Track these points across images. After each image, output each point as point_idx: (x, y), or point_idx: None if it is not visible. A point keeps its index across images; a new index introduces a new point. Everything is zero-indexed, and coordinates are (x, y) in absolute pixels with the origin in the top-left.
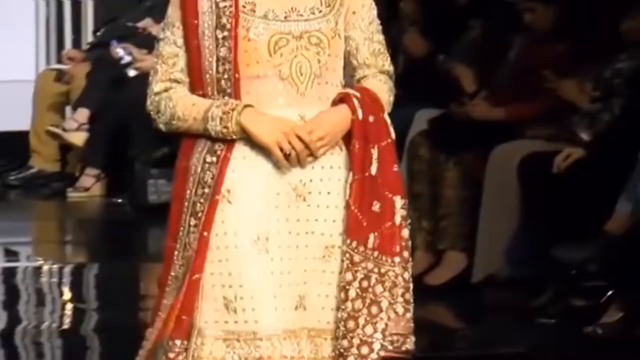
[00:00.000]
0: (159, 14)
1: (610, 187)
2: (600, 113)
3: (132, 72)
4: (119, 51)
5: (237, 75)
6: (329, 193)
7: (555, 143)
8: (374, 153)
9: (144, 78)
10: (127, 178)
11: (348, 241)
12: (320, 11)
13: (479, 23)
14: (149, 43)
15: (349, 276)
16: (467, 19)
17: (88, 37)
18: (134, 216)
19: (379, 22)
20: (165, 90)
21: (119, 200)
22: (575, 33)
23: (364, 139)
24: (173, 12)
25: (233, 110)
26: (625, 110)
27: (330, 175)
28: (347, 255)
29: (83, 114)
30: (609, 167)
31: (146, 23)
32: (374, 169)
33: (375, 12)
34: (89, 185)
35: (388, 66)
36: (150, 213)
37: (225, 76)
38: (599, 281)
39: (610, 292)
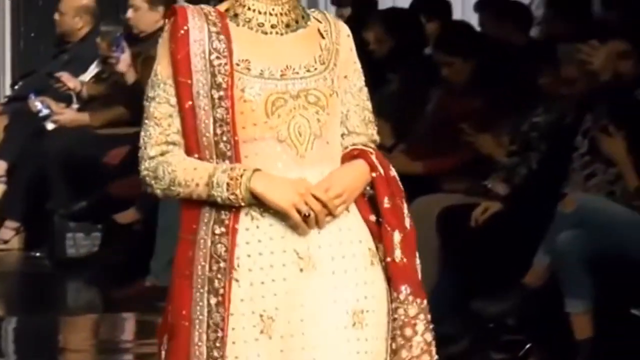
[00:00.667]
0: (76, 68)
1: (528, 240)
2: (517, 166)
3: (50, 125)
4: (37, 104)
5: (236, 137)
6: (343, 257)
7: (473, 196)
8: (404, 207)
9: (62, 131)
10: (46, 231)
11: (398, 294)
12: (315, 69)
13: (396, 77)
14: (66, 96)
15: (408, 332)
16: (385, 73)
17: (6, 90)
18: (52, 270)
19: (367, 89)
20: (162, 153)
21: (38, 254)
22: (492, 87)
23: (391, 193)
24: (163, 69)
25: (242, 176)
26: (542, 164)
27: (341, 238)
28: (402, 310)
29: (1, 166)
30: (527, 221)
31: (64, 76)
32: (408, 223)
33: (363, 78)
34: (8, 238)
35: (376, 136)
36: (68, 267)
37: (224, 139)
38: (518, 334)
39: (528, 346)
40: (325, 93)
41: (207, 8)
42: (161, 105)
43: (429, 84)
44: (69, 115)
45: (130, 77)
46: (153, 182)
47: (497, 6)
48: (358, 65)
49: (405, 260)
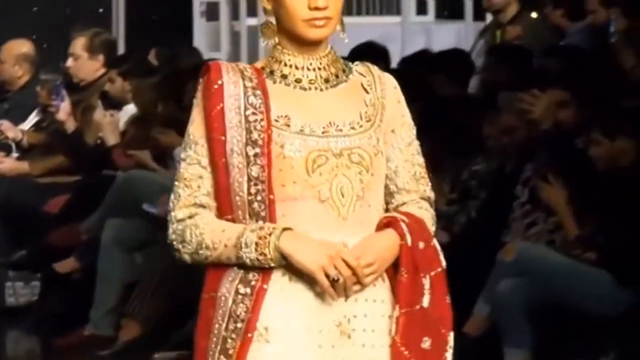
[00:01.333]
0: (16, 116)
1: (468, 288)
2: (456, 215)
3: None
4: None
5: (271, 196)
6: (373, 331)
7: None
8: (426, 283)
9: (1, 179)
10: None
11: None
12: (360, 126)
13: None
14: (6, 145)
15: None
16: None
17: None
18: None
19: (418, 142)
20: (190, 216)
21: None
22: (432, 134)
23: (414, 267)
24: (196, 129)
25: (270, 234)
26: (481, 212)
27: (374, 310)
28: None
29: None
30: (466, 269)
31: (4, 125)
32: (426, 301)
33: (414, 131)
34: None
35: (429, 192)
36: (7, 316)
37: (259, 198)
38: None
39: None
40: (369, 152)
41: (242, 64)
42: (191, 167)
43: None
44: (9, 164)
45: (70, 126)
46: (180, 246)
47: (438, 55)
48: (407, 118)
49: (400, 345)
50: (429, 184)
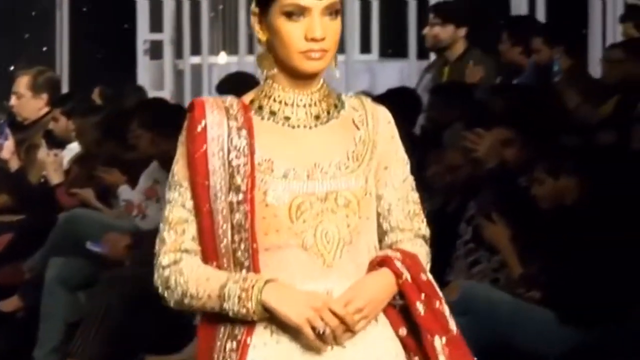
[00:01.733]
0: None
1: None
2: None
3: None
4: None
5: (254, 245)
6: None
7: None
8: (445, 309)
9: None
10: None
11: None
12: (347, 167)
13: None
14: None
15: None
16: None
17: None
18: None
19: (412, 178)
20: (175, 262)
21: None
22: None
23: (426, 297)
24: (179, 170)
25: (253, 287)
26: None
27: (368, 355)
28: None
29: None
30: None
31: None
32: (453, 325)
33: (409, 167)
34: None
35: (424, 229)
36: None
37: (242, 246)
38: None
39: None
40: (357, 194)
41: (229, 100)
42: (176, 209)
43: None
44: None
45: (14, 164)
46: (165, 292)
47: (387, 93)
48: (401, 153)
49: None
50: (424, 220)
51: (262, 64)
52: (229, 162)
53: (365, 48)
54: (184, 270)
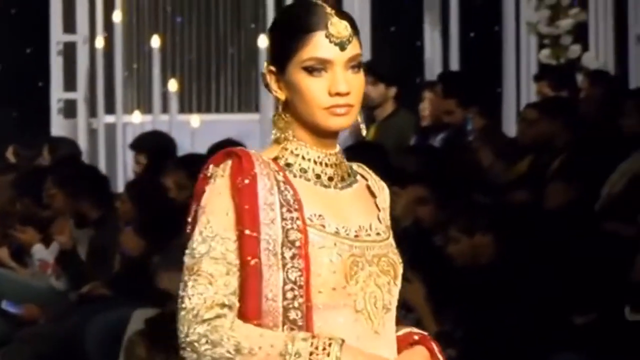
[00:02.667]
0: None
1: None
2: None
3: None
4: None
5: (309, 304)
6: None
7: None
8: None
9: None
10: None
11: None
12: (384, 232)
13: None
14: None
15: None
16: (185, 217)
17: None
18: None
19: None
20: (218, 316)
21: None
22: None
23: None
24: (218, 221)
25: (330, 345)
26: None
27: None
28: None
29: None
30: None
31: None
32: None
33: None
34: None
35: None
36: None
37: (296, 304)
38: None
39: None
40: (396, 261)
41: (262, 155)
42: (216, 261)
43: None
44: None
45: None
46: (206, 348)
47: None
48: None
49: None
50: None
51: (277, 125)
52: (282, 216)
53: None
54: (233, 325)
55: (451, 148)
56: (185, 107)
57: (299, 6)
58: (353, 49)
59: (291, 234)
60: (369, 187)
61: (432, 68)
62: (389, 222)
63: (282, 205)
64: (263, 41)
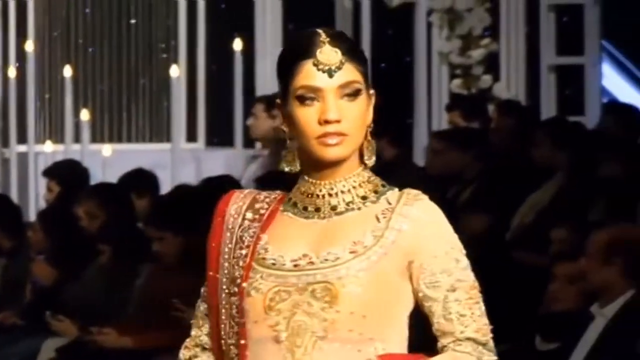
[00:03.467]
0: None
1: None
2: None
3: None
4: None
5: (242, 340)
6: None
7: None
8: None
9: None
10: None
11: None
12: (337, 258)
13: (109, 248)
14: None
15: None
16: (97, 243)
17: None
18: None
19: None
20: (190, 358)
21: None
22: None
23: None
24: (207, 263)
25: None
26: None
27: None
28: None
29: None
30: None
31: None
32: None
33: (462, 261)
34: None
35: (469, 332)
36: None
37: (233, 341)
38: None
39: None
40: (335, 285)
41: (268, 193)
42: (201, 304)
43: (139, 259)
44: None
45: None
46: None
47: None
48: (445, 247)
49: None
50: (475, 321)
51: (285, 160)
52: (234, 254)
53: (191, 137)
54: None
55: None
56: (97, 136)
57: (298, 35)
58: (345, 76)
59: (236, 270)
60: (376, 215)
61: None
62: (387, 249)
63: (237, 243)
64: (175, 71)
